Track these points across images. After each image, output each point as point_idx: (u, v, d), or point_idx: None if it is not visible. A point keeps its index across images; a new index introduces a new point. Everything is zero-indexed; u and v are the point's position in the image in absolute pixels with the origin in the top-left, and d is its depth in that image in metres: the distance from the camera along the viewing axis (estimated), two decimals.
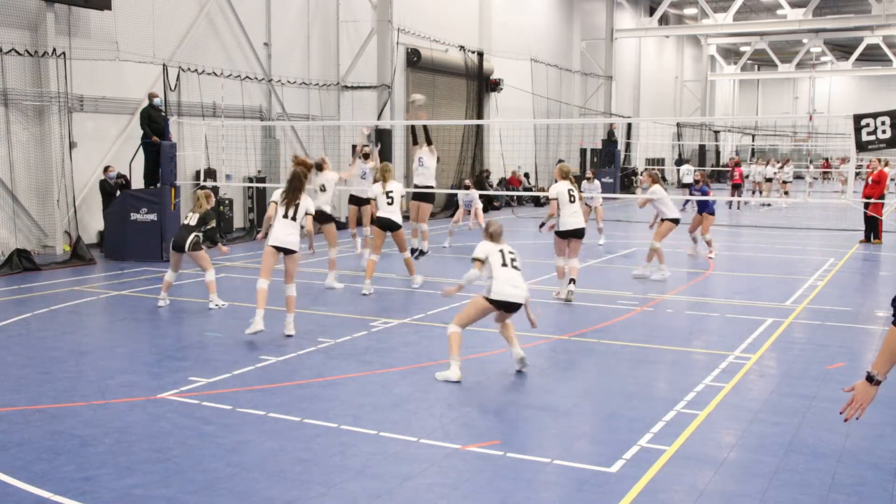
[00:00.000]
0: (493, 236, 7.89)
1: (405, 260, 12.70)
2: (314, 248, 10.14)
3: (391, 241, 12.80)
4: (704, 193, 15.64)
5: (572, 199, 11.50)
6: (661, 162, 41.47)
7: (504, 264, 7.71)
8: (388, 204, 12.24)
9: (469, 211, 19.45)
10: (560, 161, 33.60)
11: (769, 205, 31.35)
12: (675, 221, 13.51)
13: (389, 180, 12.32)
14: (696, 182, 16.11)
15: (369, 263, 12.15)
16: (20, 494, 5.10)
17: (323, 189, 12.97)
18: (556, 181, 11.76)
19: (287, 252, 9.36)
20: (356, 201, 15.25)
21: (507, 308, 7.72)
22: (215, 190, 19.01)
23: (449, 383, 7.54)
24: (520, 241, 19.21)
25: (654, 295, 11.97)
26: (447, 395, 7.24)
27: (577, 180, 15.82)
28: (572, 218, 11.50)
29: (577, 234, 11.58)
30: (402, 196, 12.48)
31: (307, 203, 9.47)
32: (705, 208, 15.44)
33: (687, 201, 25.06)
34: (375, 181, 12.64)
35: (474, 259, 7.77)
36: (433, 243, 16.94)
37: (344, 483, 5.32)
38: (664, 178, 35.93)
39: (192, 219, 11.31)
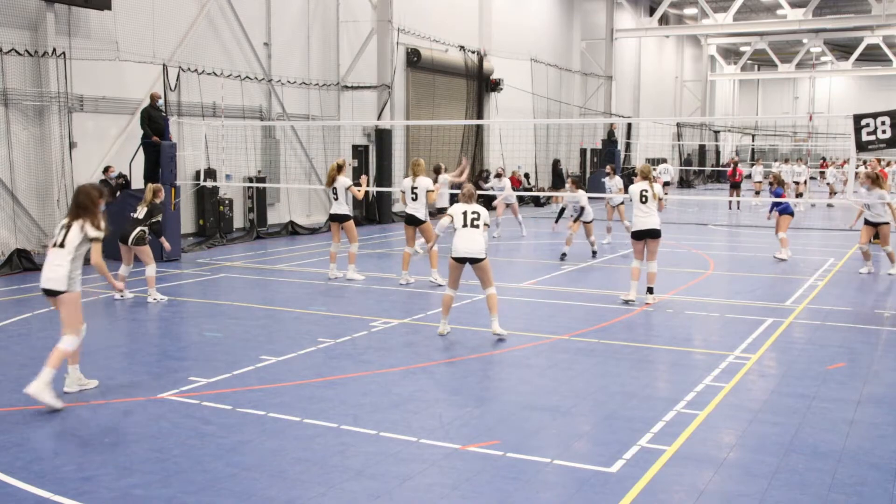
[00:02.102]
0: (462, 197, 9.40)
1: (429, 252, 12.76)
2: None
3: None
4: (779, 195, 16.20)
5: (644, 199, 11.33)
6: (661, 162, 41.41)
7: (465, 224, 9.17)
8: (413, 199, 12.82)
9: (508, 204, 20.13)
10: (557, 161, 33.79)
11: (813, 205, 30.29)
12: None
13: (419, 175, 12.85)
14: (771, 184, 16.86)
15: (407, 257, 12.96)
16: (20, 494, 5.10)
17: (335, 194, 13.25)
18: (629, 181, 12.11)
19: (50, 294, 7.01)
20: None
21: (470, 262, 9.07)
22: (215, 190, 19.07)
23: (450, 382, 7.53)
24: (530, 241, 19.22)
25: (643, 297, 11.95)
26: (447, 395, 7.25)
27: (573, 178, 16.41)
28: (644, 218, 11.28)
29: (652, 234, 11.29)
30: (428, 191, 12.83)
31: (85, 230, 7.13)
32: (785, 209, 15.94)
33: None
34: (406, 177, 13.25)
35: (447, 214, 9.38)
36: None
37: (344, 483, 5.31)
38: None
39: (140, 212, 11.49)
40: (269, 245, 18.52)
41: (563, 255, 15.62)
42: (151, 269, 11.48)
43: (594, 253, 16.19)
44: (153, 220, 11.60)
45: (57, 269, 6.94)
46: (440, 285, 12.34)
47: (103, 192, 7.46)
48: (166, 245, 12.42)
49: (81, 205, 7.14)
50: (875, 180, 14.18)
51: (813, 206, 29.90)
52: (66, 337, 6.91)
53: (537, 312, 10.98)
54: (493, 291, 9.22)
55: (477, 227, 9.13)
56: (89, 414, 6.63)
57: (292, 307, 11.09)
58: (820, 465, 5.67)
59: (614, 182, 18.91)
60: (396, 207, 24.98)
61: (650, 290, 11.41)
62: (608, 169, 19.69)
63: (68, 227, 7.08)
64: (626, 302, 11.37)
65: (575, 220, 15.83)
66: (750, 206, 30.11)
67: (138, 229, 11.37)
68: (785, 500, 5.13)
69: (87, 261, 7.19)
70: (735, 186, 30.07)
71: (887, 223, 14.03)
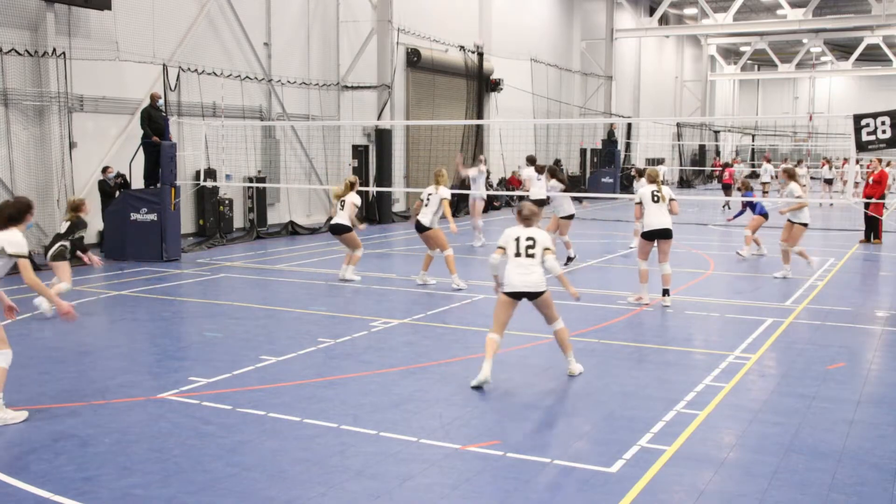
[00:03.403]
0: (522, 219, 7.80)
1: (445, 258, 12.71)
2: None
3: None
4: (750, 197, 16.52)
5: (656, 199, 11.28)
6: (661, 162, 41.42)
7: (518, 253, 7.62)
8: (424, 206, 12.80)
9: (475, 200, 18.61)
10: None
11: (831, 205, 29.89)
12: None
13: (441, 185, 12.80)
14: (739, 189, 17.02)
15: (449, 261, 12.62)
16: (20, 494, 5.10)
17: (342, 206, 13.24)
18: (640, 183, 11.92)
19: None
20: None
21: (528, 298, 7.63)
22: (215, 190, 19.07)
23: (450, 382, 7.53)
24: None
25: (654, 295, 11.95)
26: (447, 395, 7.25)
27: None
28: (656, 217, 11.19)
29: (664, 234, 11.21)
30: (443, 199, 12.67)
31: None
32: (759, 211, 16.00)
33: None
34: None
35: (498, 247, 7.75)
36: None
37: (344, 483, 5.31)
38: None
39: (62, 226, 10.84)
40: (269, 245, 18.52)
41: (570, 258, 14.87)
42: (65, 286, 10.38)
43: (569, 259, 14.72)
44: (76, 236, 10.76)
45: None
46: (460, 289, 12.32)
47: (31, 206, 6.88)
48: (92, 260, 11.04)
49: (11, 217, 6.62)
50: (791, 175, 13.89)
51: (821, 206, 29.90)
52: None
53: (537, 312, 10.95)
54: (563, 325, 7.95)
55: (532, 256, 7.62)
56: (89, 414, 6.63)
57: (292, 307, 11.09)
58: (820, 465, 5.67)
59: (641, 183, 18.27)
60: (396, 207, 25.01)
61: (666, 293, 11.28)
62: (633, 171, 19.01)
63: None
64: (639, 302, 11.31)
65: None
66: (721, 209, 29.30)
67: (58, 245, 10.56)
68: (785, 500, 5.13)
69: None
70: (726, 188, 30.10)
71: (805, 224, 13.45)
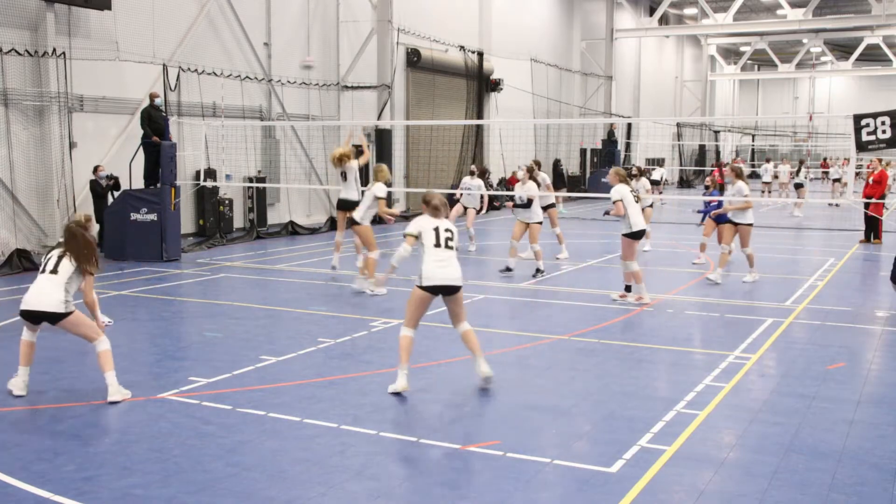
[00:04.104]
0: (434, 209, 7.39)
1: (366, 259, 12.06)
2: None
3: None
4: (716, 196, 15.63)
5: (637, 198, 11.48)
6: (661, 162, 41.43)
7: (437, 244, 7.22)
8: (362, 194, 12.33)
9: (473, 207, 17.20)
10: (557, 161, 33.71)
11: (838, 205, 29.35)
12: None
13: (378, 182, 12.06)
14: (707, 187, 16.04)
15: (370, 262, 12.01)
16: (20, 494, 5.10)
17: (343, 177, 12.83)
18: (615, 184, 11.47)
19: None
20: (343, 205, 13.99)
21: (444, 293, 7.25)
22: (215, 190, 19.07)
23: (450, 382, 7.53)
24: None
25: (654, 295, 11.96)
26: (447, 395, 7.25)
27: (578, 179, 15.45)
28: (639, 217, 11.35)
29: (642, 234, 11.44)
30: (377, 198, 11.88)
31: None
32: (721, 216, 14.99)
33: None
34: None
35: (406, 234, 7.29)
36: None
37: (344, 483, 5.31)
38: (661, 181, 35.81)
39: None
40: (269, 245, 18.52)
41: (508, 268, 13.80)
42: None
43: (538, 271, 13.60)
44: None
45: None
46: (376, 294, 11.77)
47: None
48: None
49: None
50: (739, 174, 13.17)
51: (830, 206, 29.88)
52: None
53: (537, 312, 10.98)
54: (470, 326, 7.60)
55: (451, 248, 7.30)
56: (89, 414, 6.63)
57: (292, 307, 11.09)
58: (820, 465, 5.67)
59: (641, 184, 17.46)
60: (396, 208, 24.99)
61: (629, 289, 11.48)
62: (634, 171, 18.26)
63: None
64: (640, 301, 11.31)
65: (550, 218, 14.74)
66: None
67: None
68: (785, 500, 5.13)
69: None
70: (720, 188, 29.95)
71: (750, 224, 12.97)
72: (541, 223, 13.70)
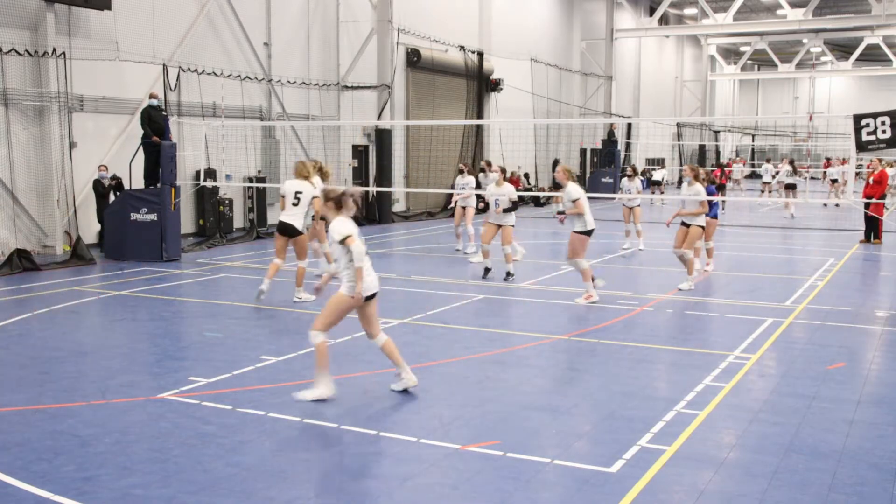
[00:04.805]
0: (349, 210, 6.93)
1: (298, 268, 11.56)
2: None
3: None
4: (711, 193, 15.36)
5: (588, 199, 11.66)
6: (661, 162, 41.45)
7: (367, 251, 6.97)
8: (293, 205, 11.14)
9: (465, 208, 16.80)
10: (557, 161, 33.58)
11: (838, 205, 29.41)
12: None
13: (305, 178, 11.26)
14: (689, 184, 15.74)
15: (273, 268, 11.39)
16: (20, 494, 5.10)
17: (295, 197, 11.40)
18: (564, 182, 11.57)
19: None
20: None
21: (368, 299, 7.10)
22: (215, 190, 19.07)
23: (450, 382, 7.53)
24: (530, 241, 19.20)
25: (653, 295, 11.96)
26: (447, 395, 7.25)
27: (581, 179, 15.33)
28: (591, 216, 11.56)
29: (592, 232, 11.64)
30: (315, 198, 11.02)
31: None
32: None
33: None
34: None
35: (347, 237, 6.79)
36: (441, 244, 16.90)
37: (344, 483, 5.31)
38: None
39: None
40: (269, 245, 18.48)
41: (487, 269, 13.46)
42: None
43: (508, 274, 13.16)
44: None
45: None
46: (303, 301, 11.30)
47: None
48: None
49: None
50: (697, 175, 12.58)
51: (825, 206, 29.91)
52: None
53: (537, 312, 10.98)
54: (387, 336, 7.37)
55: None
56: (89, 414, 6.63)
57: (292, 307, 11.09)
58: (820, 465, 5.67)
59: (634, 184, 17.40)
60: (396, 208, 25.02)
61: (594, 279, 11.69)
62: (629, 170, 17.95)
63: None
64: (590, 300, 11.40)
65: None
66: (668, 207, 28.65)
67: None
68: (785, 500, 5.12)
69: None
70: (720, 188, 30.01)
71: (701, 226, 12.41)
72: (513, 226, 13.37)
